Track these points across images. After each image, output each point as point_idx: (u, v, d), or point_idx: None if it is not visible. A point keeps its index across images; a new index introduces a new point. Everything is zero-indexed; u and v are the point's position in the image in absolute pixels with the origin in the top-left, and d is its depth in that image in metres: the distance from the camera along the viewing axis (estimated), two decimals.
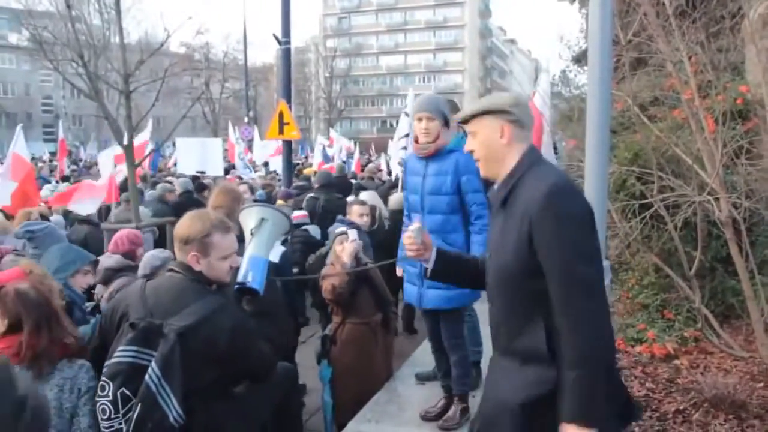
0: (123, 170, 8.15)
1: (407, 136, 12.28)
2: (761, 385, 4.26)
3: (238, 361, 2.39)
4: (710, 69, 4.77)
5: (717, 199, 4.48)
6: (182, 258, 2.46)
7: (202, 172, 10.78)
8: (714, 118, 4.94)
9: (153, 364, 2.15)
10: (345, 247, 4.02)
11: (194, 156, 10.64)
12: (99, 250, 4.95)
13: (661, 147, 4.98)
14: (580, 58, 11.67)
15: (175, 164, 14.47)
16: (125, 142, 6.52)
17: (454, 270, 2.38)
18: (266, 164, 17.49)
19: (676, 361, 4.84)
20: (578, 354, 1.88)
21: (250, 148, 20.81)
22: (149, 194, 9.10)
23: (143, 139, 10.85)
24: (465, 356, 3.61)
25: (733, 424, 3.66)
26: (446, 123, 3.37)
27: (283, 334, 2.92)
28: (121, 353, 2.21)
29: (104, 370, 2.24)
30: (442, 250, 2.36)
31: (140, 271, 3.79)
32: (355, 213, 5.22)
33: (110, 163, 8.11)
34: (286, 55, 9.80)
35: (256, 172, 15.52)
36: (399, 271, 3.95)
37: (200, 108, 38.71)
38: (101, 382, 2.22)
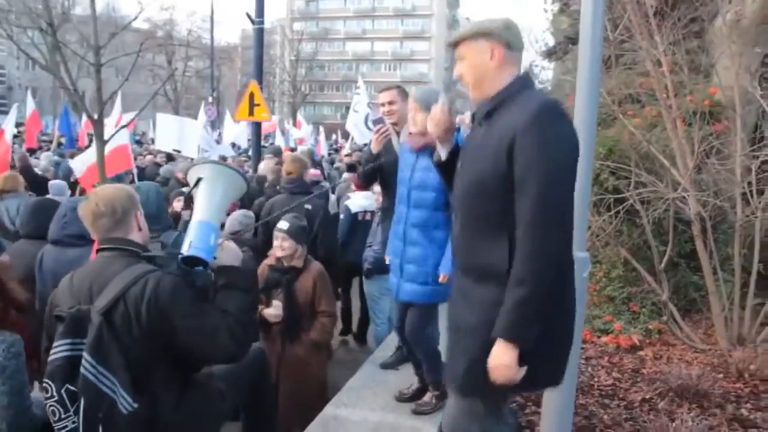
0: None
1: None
2: (721, 375, 4.45)
3: (173, 330, 2.11)
4: (685, 70, 4.91)
5: (687, 197, 4.63)
6: (115, 234, 2.30)
7: (178, 151, 10.51)
8: (683, 119, 5.10)
9: (84, 353, 2.01)
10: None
11: (172, 134, 10.36)
12: None
13: (635, 143, 5.10)
14: (550, 53, 11.83)
15: (152, 140, 14.06)
16: (95, 116, 6.32)
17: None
18: (233, 145, 17.20)
19: (641, 352, 5.00)
20: (526, 271, 1.86)
21: (213, 127, 20.43)
22: (163, 170, 8.94)
23: (117, 113, 10.48)
24: (430, 349, 3.56)
25: (697, 413, 3.81)
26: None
27: (255, 309, 2.61)
28: (56, 350, 2.07)
29: (45, 370, 2.10)
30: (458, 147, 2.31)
31: (227, 228, 4.16)
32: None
33: (124, 133, 7.52)
34: (259, 34, 9.60)
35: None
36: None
37: (160, 86, 37.78)
38: (44, 384, 2.07)
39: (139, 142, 18.75)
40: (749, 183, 4.78)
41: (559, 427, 3.05)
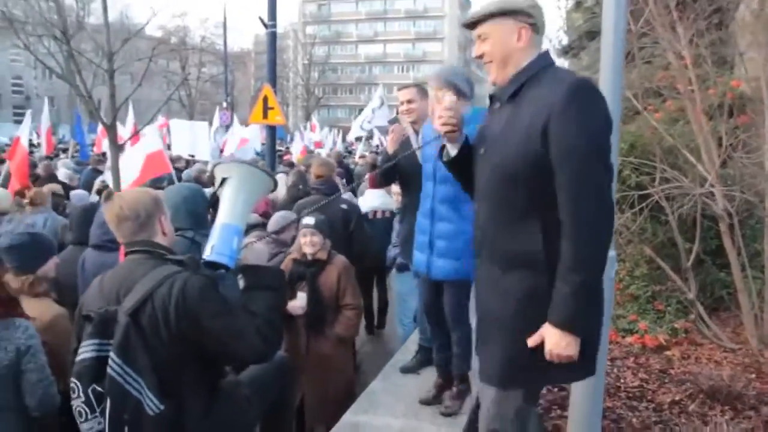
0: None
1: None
2: (753, 376, 4.31)
3: (201, 331, 2.10)
4: (709, 62, 4.78)
5: (714, 192, 4.50)
6: (140, 236, 2.31)
7: (192, 156, 10.56)
8: (706, 112, 4.97)
9: (111, 353, 2.01)
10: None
11: (186, 139, 10.42)
12: None
13: (657, 139, 4.99)
14: (566, 51, 11.70)
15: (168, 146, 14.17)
16: (108, 122, 6.32)
17: (470, 165, 2.20)
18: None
19: (668, 353, 4.86)
20: (582, 257, 1.80)
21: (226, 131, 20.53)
22: (185, 174, 8.98)
23: (131, 120, 10.54)
24: (468, 333, 3.49)
25: (730, 416, 3.68)
26: (462, 95, 3.28)
27: (276, 309, 2.49)
28: (83, 350, 2.07)
29: (73, 369, 2.11)
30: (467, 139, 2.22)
31: (269, 228, 4.59)
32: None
33: (157, 138, 7.55)
34: (272, 38, 9.61)
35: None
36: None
37: (176, 92, 38.12)
38: (71, 384, 2.08)
39: None
40: None
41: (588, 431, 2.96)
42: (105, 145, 13.30)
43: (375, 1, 72.11)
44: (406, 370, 4.23)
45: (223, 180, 2.36)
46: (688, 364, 4.62)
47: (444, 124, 2.14)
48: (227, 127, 21.37)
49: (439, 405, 3.68)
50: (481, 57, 2.04)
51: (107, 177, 7.38)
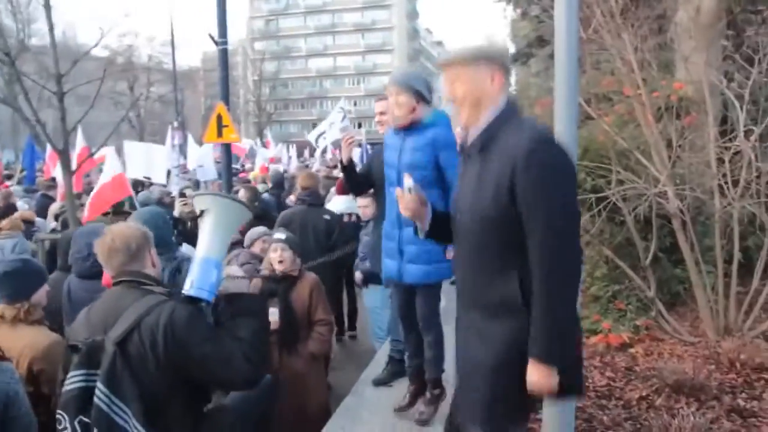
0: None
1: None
2: (713, 367, 4.46)
3: (189, 359, 2.13)
4: (654, 66, 4.97)
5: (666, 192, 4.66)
6: (129, 268, 2.35)
7: (148, 178, 10.31)
8: (653, 114, 5.15)
9: (98, 383, 2.02)
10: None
11: (141, 161, 10.17)
12: None
13: (610, 142, 5.13)
14: (515, 59, 11.98)
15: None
16: (60, 147, 6.14)
17: (447, 227, 2.28)
18: (201, 166, 16.93)
19: (632, 350, 4.99)
20: (551, 301, 1.89)
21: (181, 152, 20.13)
22: (142, 196, 8.70)
23: (80, 144, 10.18)
24: (440, 336, 3.53)
25: (695, 407, 3.79)
26: (422, 98, 3.32)
27: (266, 331, 2.58)
28: (70, 380, 2.08)
29: (59, 402, 2.12)
30: (434, 209, 2.29)
31: (245, 243, 4.82)
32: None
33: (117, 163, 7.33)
34: (224, 55, 9.51)
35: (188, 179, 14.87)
36: None
37: (125, 113, 37.23)
38: (57, 416, 2.08)
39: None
40: (724, 174, 4.84)
41: None
42: (55, 170, 12.92)
43: (323, 15, 72.29)
44: (378, 382, 4.21)
45: (202, 212, 2.42)
46: (651, 360, 4.75)
47: (405, 210, 2.21)
48: (181, 147, 21.01)
49: (415, 413, 3.68)
50: (453, 99, 2.08)
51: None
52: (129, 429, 2.02)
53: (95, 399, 2.01)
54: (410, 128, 3.33)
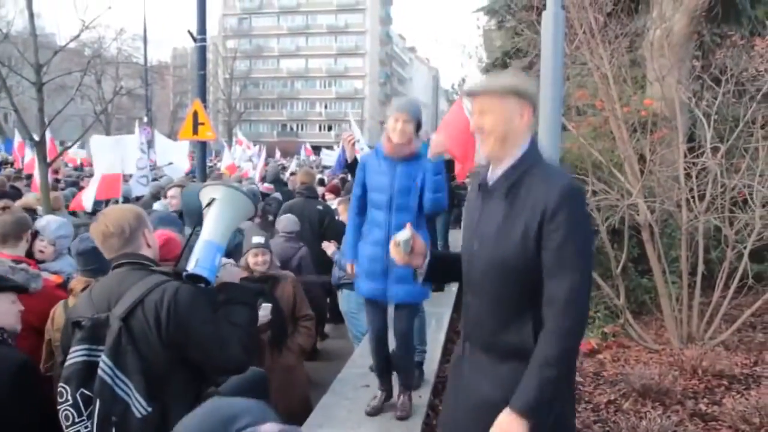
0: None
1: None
2: (677, 373, 4.64)
3: (189, 338, 2.17)
4: (629, 81, 5.16)
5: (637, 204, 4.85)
6: (126, 250, 2.37)
7: (129, 176, 10.15)
8: (626, 128, 5.35)
9: (103, 356, 2.08)
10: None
11: (109, 154, 9.96)
12: None
13: (585, 153, 5.31)
14: (488, 69, 12.17)
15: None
16: (36, 138, 6.05)
17: (444, 270, 2.33)
18: (171, 164, 16.72)
19: (600, 356, 5.16)
20: (559, 353, 1.86)
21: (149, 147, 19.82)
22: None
23: (48, 136, 9.96)
24: (413, 350, 3.76)
25: (660, 411, 3.95)
26: (419, 127, 3.44)
27: (253, 324, 2.61)
28: (72, 354, 2.13)
29: (61, 374, 2.16)
30: (432, 253, 2.30)
31: (279, 228, 5.34)
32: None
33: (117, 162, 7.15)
34: (201, 52, 9.48)
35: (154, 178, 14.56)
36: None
37: (91, 106, 36.40)
38: (59, 389, 2.11)
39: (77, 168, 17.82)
40: (691, 189, 5.05)
41: None
42: (26, 161, 12.61)
43: (297, 16, 72.02)
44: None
45: (211, 200, 2.48)
46: (619, 366, 4.92)
47: (399, 262, 2.22)
48: (149, 143, 20.68)
49: (389, 413, 3.79)
50: (481, 130, 2.06)
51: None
52: (131, 401, 2.08)
53: (99, 372, 2.07)
54: (401, 156, 3.46)
